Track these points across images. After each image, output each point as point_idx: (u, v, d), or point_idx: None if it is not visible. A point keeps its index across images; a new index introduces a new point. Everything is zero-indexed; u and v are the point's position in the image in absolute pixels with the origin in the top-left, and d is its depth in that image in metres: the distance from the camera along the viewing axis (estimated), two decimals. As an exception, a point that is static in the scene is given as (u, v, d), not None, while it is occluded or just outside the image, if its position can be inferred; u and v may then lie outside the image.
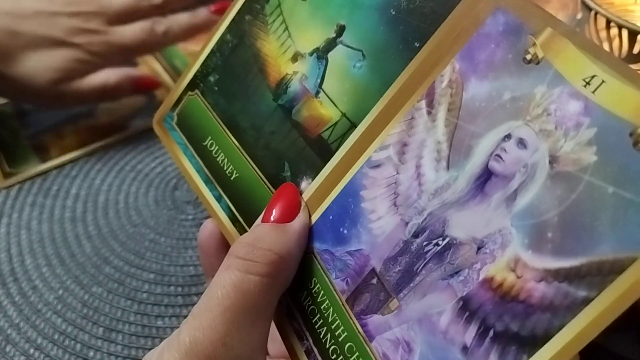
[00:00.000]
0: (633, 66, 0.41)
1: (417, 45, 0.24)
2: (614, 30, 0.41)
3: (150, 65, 0.56)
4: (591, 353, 0.34)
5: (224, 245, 0.31)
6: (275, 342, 0.30)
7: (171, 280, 0.41)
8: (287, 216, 0.26)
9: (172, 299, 0.40)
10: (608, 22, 0.41)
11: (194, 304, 0.38)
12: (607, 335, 0.35)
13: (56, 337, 0.38)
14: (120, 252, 0.43)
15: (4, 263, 0.42)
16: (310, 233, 0.26)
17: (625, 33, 0.40)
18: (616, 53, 0.41)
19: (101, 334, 0.39)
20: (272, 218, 0.25)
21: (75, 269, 0.42)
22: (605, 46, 0.42)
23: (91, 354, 0.38)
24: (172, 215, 0.45)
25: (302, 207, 0.26)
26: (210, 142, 0.31)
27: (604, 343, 0.35)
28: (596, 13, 0.41)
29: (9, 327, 0.39)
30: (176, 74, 0.56)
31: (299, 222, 0.25)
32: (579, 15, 0.43)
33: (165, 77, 0.55)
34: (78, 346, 0.38)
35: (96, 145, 0.49)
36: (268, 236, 0.25)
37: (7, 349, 0.38)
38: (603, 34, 0.42)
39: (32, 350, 0.38)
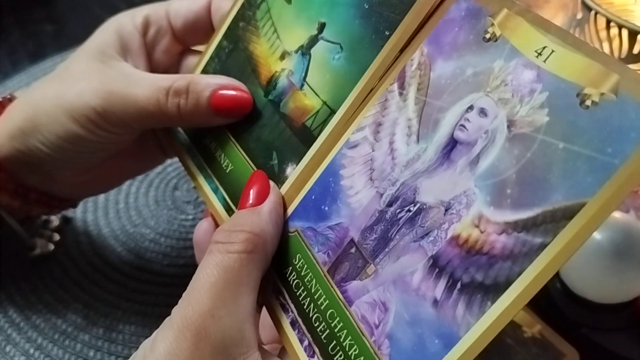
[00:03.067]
0: (633, 66, 0.42)
1: (388, 33, 0.26)
2: (614, 30, 0.41)
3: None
4: (591, 353, 0.35)
5: None
6: (266, 328, 0.31)
7: (171, 281, 0.42)
8: (259, 199, 0.28)
9: (173, 299, 0.40)
10: (608, 22, 0.41)
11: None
12: (607, 335, 0.35)
13: (56, 337, 0.39)
14: (120, 252, 0.44)
15: (3, 264, 0.42)
16: (294, 214, 0.28)
17: (625, 33, 0.41)
18: (616, 53, 0.42)
19: (101, 334, 0.39)
20: (247, 204, 0.28)
21: (75, 269, 0.43)
22: (605, 46, 0.43)
23: (91, 354, 0.38)
24: (172, 215, 0.47)
25: (271, 189, 0.28)
26: (210, 139, 0.33)
27: (604, 343, 0.35)
28: (596, 13, 0.42)
29: (9, 327, 0.39)
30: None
31: (269, 202, 0.28)
32: (579, 15, 0.44)
33: None
34: (78, 346, 0.39)
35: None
36: (243, 219, 0.27)
37: (7, 349, 0.38)
38: (603, 34, 0.43)
39: (32, 350, 0.38)
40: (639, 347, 0.36)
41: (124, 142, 0.35)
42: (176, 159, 0.50)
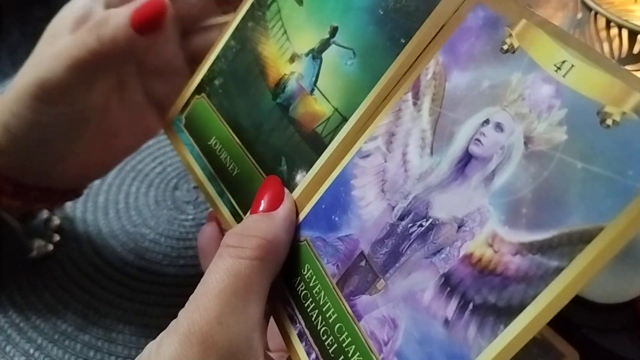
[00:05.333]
0: (633, 66, 0.42)
1: (403, 41, 0.26)
2: (614, 30, 0.41)
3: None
4: (591, 353, 0.34)
5: None
6: (274, 336, 0.31)
7: (171, 281, 0.42)
8: (273, 205, 0.27)
9: (173, 299, 0.41)
10: (608, 22, 0.41)
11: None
12: (607, 336, 0.35)
13: (56, 337, 0.39)
14: (120, 252, 0.44)
15: (4, 264, 0.42)
16: (303, 222, 0.27)
17: (625, 33, 0.41)
18: (616, 53, 0.42)
19: (101, 334, 0.39)
20: (260, 209, 0.27)
21: (75, 269, 0.43)
22: (605, 46, 0.42)
23: (91, 354, 0.38)
24: (172, 215, 0.46)
25: (285, 195, 0.28)
26: (215, 141, 0.32)
27: (604, 343, 0.35)
28: (596, 13, 0.41)
29: (9, 327, 0.39)
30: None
31: (283, 209, 0.27)
32: (579, 15, 0.44)
33: None
34: (78, 346, 0.39)
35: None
36: (256, 224, 0.26)
37: (7, 349, 0.38)
38: (603, 34, 0.42)
39: (32, 350, 0.38)
40: (639, 347, 0.35)
41: (89, 109, 0.35)
42: (177, 159, 0.50)
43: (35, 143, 0.35)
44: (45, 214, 0.43)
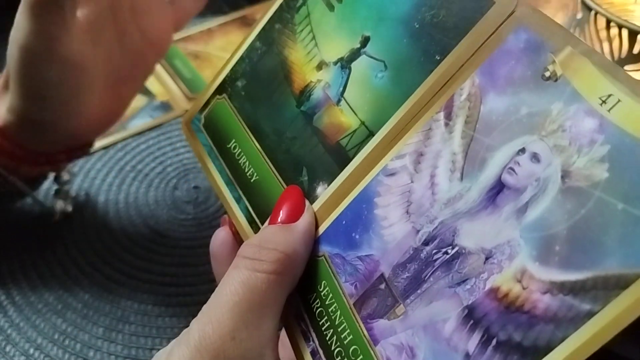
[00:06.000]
0: (633, 66, 0.41)
1: (438, 58, 0.25)
2: (614, 30, 0.41)
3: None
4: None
5: (235, 253, 0.32)
6: (285, 348, 0.30)
7: (171, 281, 0.42)
8: (292, 217, 0.26)
9: (173, 299, 0.41)
10: (608, 22, 0.41)
11: (194, 304, 0.39)
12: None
13: (56, 337, 0.39)
14: (120, 252, 0.43)
15: (3, 263, 0.42)
16: (322, 237, 0.27)
17: (625, 33, 0.41)
18: (616, 53, 0.42)
19: (101, 334, 0.39)
20: (278, 220, 0.26)
21: (75, 269, 0.42)
22: (605, 46, 0.42)
23: (91, 354, 0.38)
24: (172, 215, 0.46)
25: (306, 208, 0.27)
26: (234, 144, 0.31)
27: None
28: (596, 13, 0.41)
29: (9, 327, 0.39)
30: (176, 73, 0.57)
31: (303, 222, 0.26)
32: (579, 15, 0.44)
33: (165, 77, 0.57)
34: (78, 346, 0.38)
35: (96, 145, 0.48)
36: (274, 236, 0.26)
37: (7, 349, 0.38)
38: (603, 34, 0.42)
39: (32, 350, 0.38)
40: (639, 347, 0.35)
41: (95, 63, 0.36)
42: (177, 159, 0.50)
43: (50, 101, 0.36)
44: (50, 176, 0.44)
